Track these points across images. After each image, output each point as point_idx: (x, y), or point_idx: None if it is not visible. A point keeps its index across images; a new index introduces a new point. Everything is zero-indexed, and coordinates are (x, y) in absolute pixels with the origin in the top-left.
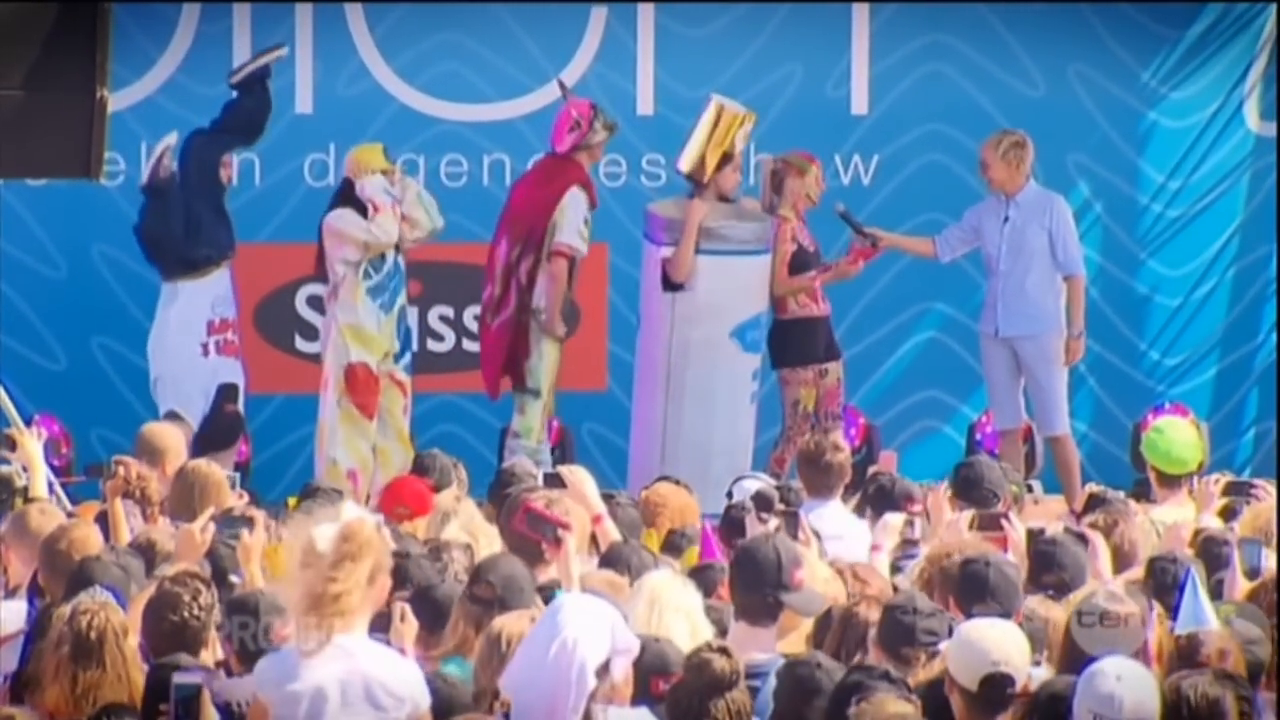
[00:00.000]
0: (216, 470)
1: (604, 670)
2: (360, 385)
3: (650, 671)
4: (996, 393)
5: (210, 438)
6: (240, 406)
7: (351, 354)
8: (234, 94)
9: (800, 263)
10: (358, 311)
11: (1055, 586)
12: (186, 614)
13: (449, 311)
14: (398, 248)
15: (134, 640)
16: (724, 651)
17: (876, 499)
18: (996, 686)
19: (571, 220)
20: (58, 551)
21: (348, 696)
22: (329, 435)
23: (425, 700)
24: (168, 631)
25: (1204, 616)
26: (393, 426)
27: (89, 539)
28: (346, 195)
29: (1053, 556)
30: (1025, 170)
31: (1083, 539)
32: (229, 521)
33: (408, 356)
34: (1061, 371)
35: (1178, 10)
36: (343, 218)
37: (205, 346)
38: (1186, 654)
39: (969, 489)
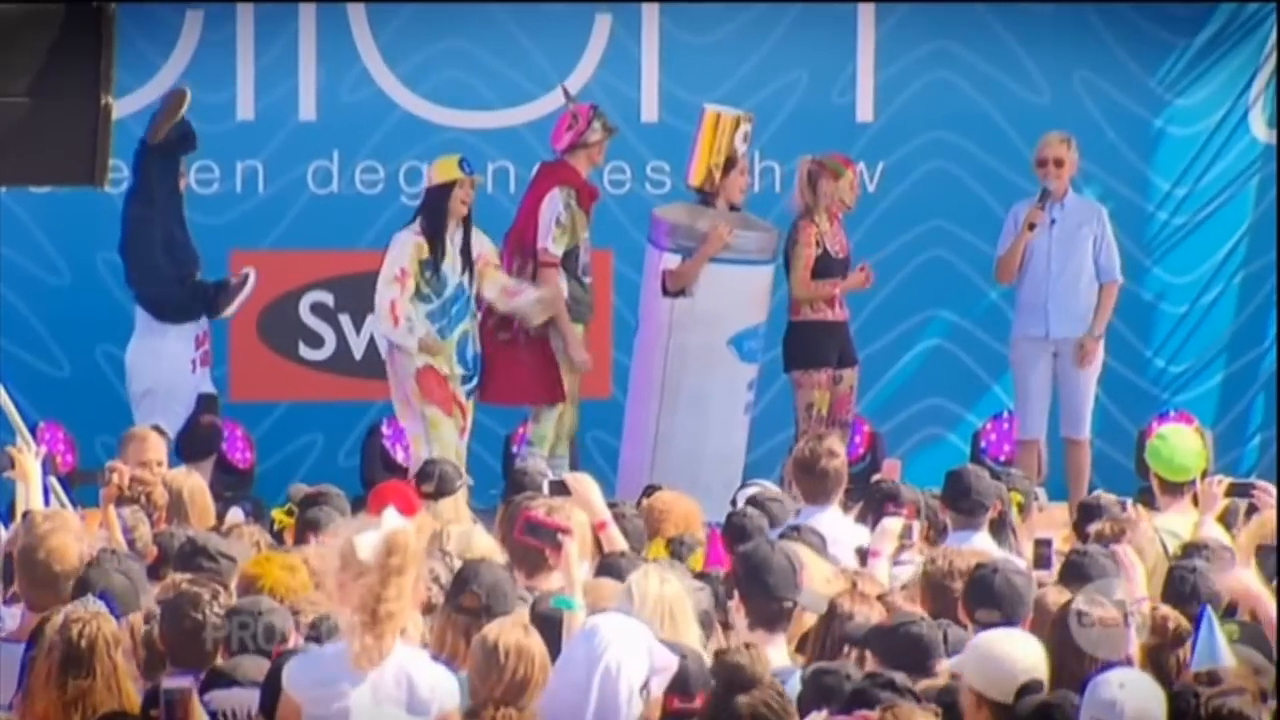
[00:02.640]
0: (197, 479)
1: (643, 690)
2: (433, 387)
3: (672, 690)
4: (1030, 400)
5: (188, 447)
6: (218, 418)
7: (417, 360)
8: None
9: (825, 268)
10: (414, 330)
11: None
12: (207, 611)
13: None
14: (471, 271)
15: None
16: (750, 651)
17: (879, 507)
18: (1033, 694)
19: (544, 224)
20: (36, 562)
21: (379, 696)
22: (424, 445)
23: (452, 701)
24: (188, 629)
25: (1220, 654)
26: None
27: (67, 548)
28: (418, 209)
29: (1081, 567)
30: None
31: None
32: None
33: (473, 382)
34: (1096, 374)
35: (1184, 16)
36: (394, 244)
37: (194, 362)
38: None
39: (957, 498)
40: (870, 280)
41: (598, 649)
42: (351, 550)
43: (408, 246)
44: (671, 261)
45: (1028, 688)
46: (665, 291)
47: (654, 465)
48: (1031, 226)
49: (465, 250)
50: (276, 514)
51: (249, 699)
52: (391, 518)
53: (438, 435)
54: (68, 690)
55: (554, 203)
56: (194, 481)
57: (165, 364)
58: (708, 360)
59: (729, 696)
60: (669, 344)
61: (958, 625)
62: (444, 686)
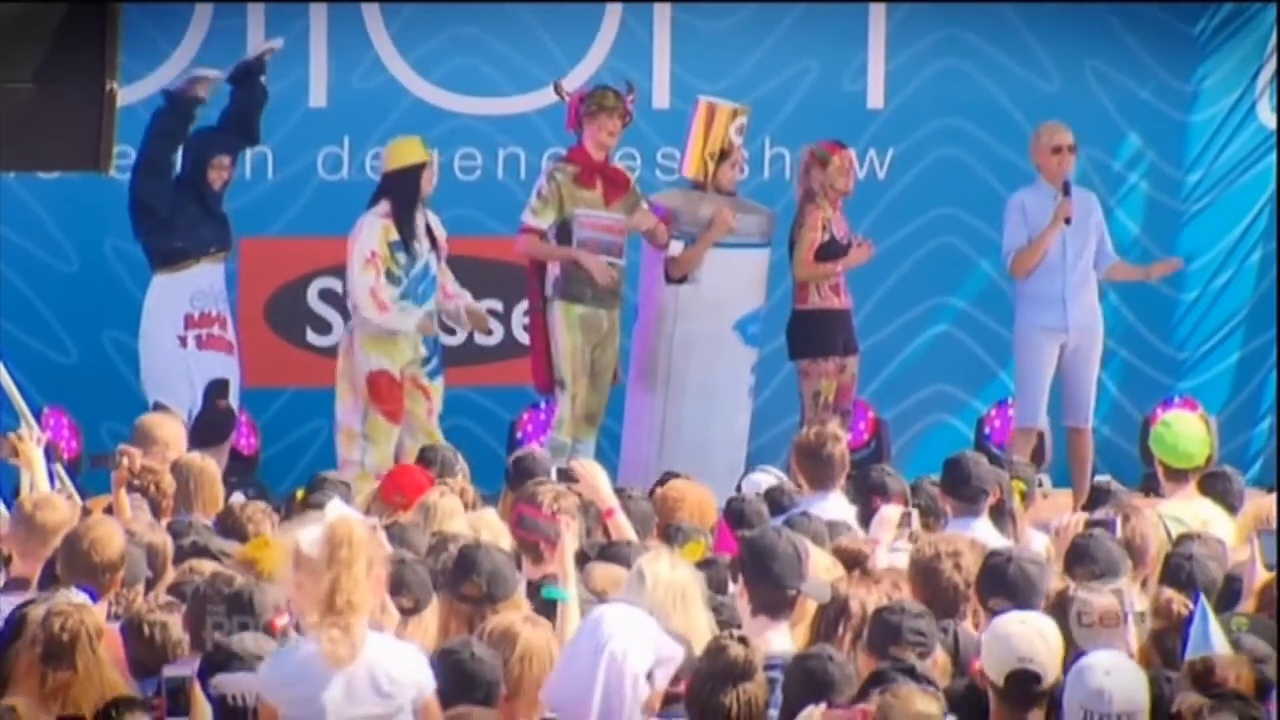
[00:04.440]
0: (210, 464)
1: (648, 678)
2: (384, 393)
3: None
4: (1033, 390)
5: (201, 433)
6: (231, 402)
7: (371, 362)
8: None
9: (830, 253)
10: (409, 312)
11: (1087, 580)
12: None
13: None
14: (434, 246)
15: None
16: (741, 641)
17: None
18: (1022, 683)
19: (531, 195)
20: (79, 551)
21: (353, 688)
22: (356, 441)
23: (429, 684)
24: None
25: (1213, 642)
26: (420, 429)
27: (113, 537)
28: (380, 192)
29: (1086, 549)
30: None
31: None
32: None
33: (434, 362)
34: (1098, 364)
35: (1193, 4)
36: (362, 228)
37: (183, 339)
38: (1200, 676)
39: (956, 485)
40: (871, 254)
41: (603, 637)
42: (298, 548)
43: (375, 229)
44: (674, 248)
45: (1017, 675)
46: (668, 279)
47: (661, 454)
48: (1068, 221)
49: (428, 229)
50: (300, 494)
51: (254, 680)
52: (335, 509)
53: (375, 440)
54: (47, 683)
55: (540, 176)
56: (206, 466)
57: (151, 340)
58: (714, 346)
59: (716, 684)
60: (674, 331)
61: (954, 610)
62: (420, 669)
